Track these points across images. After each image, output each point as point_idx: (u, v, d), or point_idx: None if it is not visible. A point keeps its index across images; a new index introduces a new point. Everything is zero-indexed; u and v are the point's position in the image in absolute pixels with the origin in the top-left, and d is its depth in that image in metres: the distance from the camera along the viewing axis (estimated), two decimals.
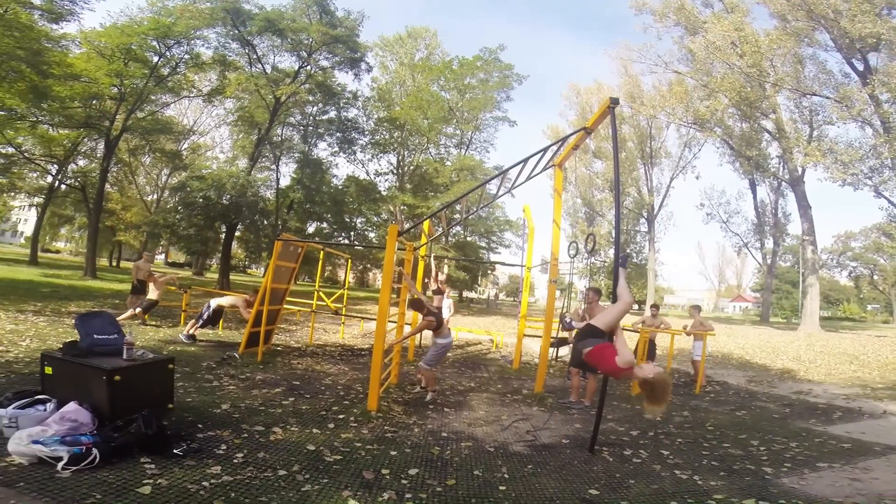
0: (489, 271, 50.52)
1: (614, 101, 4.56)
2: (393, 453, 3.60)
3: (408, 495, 2.84)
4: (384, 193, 27.64)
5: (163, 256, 49.02)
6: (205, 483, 2.71)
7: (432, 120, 24.64)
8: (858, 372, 10.11)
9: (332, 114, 25.34)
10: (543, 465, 3.65)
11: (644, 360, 7.16)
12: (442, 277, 9.89)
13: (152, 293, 9.10)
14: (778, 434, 4.88)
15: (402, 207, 24.81)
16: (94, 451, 2.82)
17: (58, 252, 41.17)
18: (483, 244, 32.94)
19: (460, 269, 25.91)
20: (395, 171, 28.90)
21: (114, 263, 34.16)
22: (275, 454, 3.33)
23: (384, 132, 27.03)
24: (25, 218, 43.35)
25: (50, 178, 22.44)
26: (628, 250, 39.43)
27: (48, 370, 3.69)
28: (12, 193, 23.24)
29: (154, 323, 9.33)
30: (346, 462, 3.32)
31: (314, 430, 3.97)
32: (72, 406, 3.22)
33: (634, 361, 3.39)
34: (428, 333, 6.20)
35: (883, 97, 19.03)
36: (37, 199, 24.65)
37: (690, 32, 24.82)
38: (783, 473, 3.65)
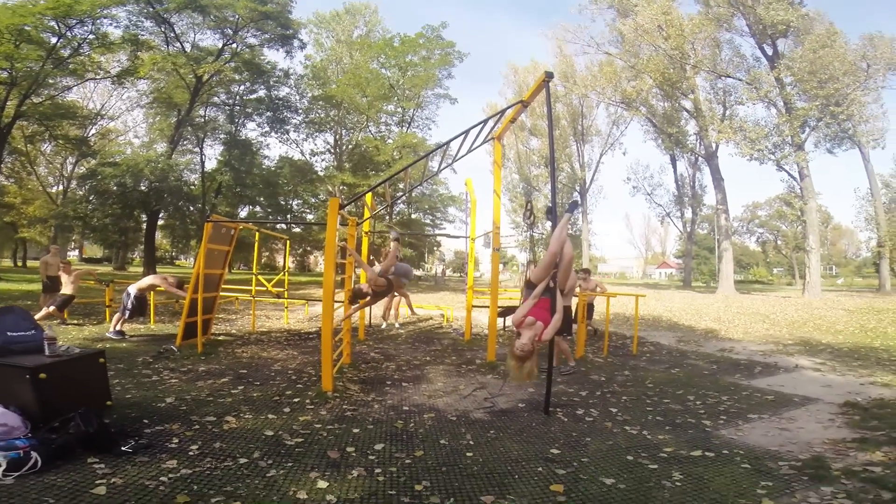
0: (435, 248, 50.82)
1: (549, 75, 4.74)
2: (356, 431, 3.60)
3: (377, 470, 2.87)
4: (321, 174, 26.68)
5: (76, 252, 44.31)
6: (163, 478, 2.58)
7: (372, 98, 23.93)
8: (771, 330, 11.19)
9: (262, 93, 23.80)
10: (504, 429, 3.81)
11: (584, 322, 7.69)
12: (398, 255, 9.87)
13: (66, 287, 8.18)
14: (710, 389, 5.25)
15: (341, 187, 24.08)
16: (34, 454, 2.59)
17: None
18: (428, 221, 32.95)
19: (406, 247, 25.83)
20: (332, 151, 27.89)
21: (19, 263, 30.61)
22: (232, 443, 3.22)
23: (319, 111, 25.84)
24: None
25: None
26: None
27: None
28: None
29: (76, 321, 8.56)
30: (309, 444, 3.29)
31: (270, 416, 3.87)
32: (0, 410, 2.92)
33: (519, 321, 3.63)
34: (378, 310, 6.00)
35: (787, 80, 21.13)
36: None
37: (622, 15, 25.95)
38: (720, 425, 3.95)
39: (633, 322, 8.72)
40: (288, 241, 12.36)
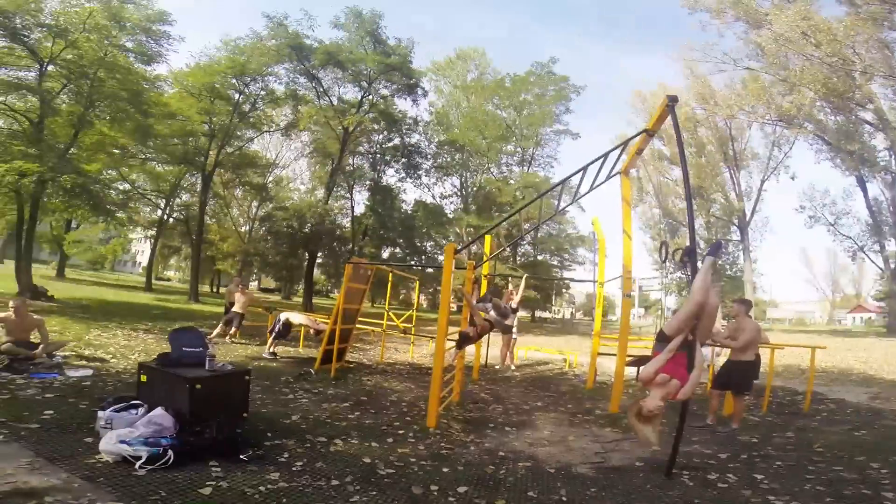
0: (563, 290, 48.75)
1: (672, 99, 4.29)
2: (445, 470, 3.50)
3: None
4: (450, 216, 28.03)
5: (256, 283, 53.42)
6: (261, 488, 2.83)
7: (490, 139, 24.77)
8: None
9: (397, 140, 26.48)
10: (609, 488, 3.37)
11: None
12: (516, 298, 9.70)
13: (237, 305, 9.81)
14: None
15: (467, 229, 24.97)
16: (170, 452, 3.06)
17: (168, 280, 46.63)
18: (555, 262, 31.94)
19: (530, 289, 25.30)
20: (458, 193, 29.33)
21: (214, 290, 37.90)
22: (332, 464, 3.40)
23: (445, 155, 27.63)
24: (142, 250, 49.62)
25: (160, 213, 25.68)
26: (719, 261, 36.15)
27: (143, 378, 4.11)
28: (131, 227, 26.89)
29: (243, 342, 10.10)
30: (398, 476, 3.29)
31: (373, 444, 3.99)
32: (158, 411, 3.53)
33: (650, 378, 3.15)
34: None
35: None
36: (150, 232, 28.30)
37: (753, 26, 22.89)
38: None
39: (807, 375, 7.29)
40: (418, 281, 13.10)
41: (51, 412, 3.88)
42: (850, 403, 6.96)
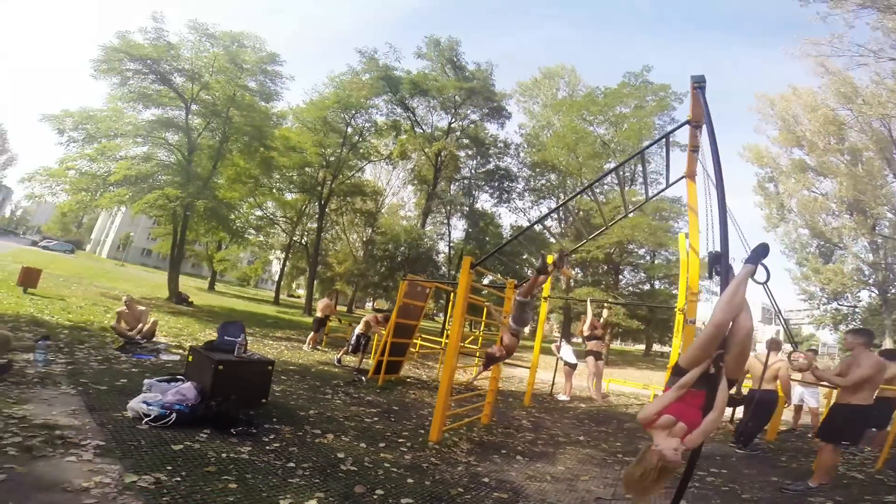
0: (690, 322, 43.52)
1: (697, 80, 3.85)
2: (409, 481, 3.46)
3: None
4: (552, 241, 27.30)
5: (371, 303, 57.63)
6: (223, 455, 3.20)
7: (584, 157, 23.70)
8: None
9: (491, 165, 26.92)
10: None
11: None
12: (587, 323, 9.47)
13: (318, 311, 11.27)
14: None
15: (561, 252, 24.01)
16: (174, 415, 3.60)
17: (299, 297, 52.83)
18: (674, 291, 28.70)
19: (633, 318, 23.18)
20: (555, 217, 28.51)
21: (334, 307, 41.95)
22: (304, 452, 3.64)
23: (539, 178, 27.18)
24: (278, 270, 57.26)
25: (287, 237, 29.55)
26: (889, 289, 29.00)
27: (189, 358, 4.88)
28: (265, 248, 31.35)
29: (324, 349, 11.00)
30: (356, 475, 3.36)
31: (361, 445, 4.13)
32: (187, 384, 4.19)
33: (648, 419, 2.57)
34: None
35: None
36: (280, 254, 32.63)
37: (883, 10, 18.52)
38: None
39: None
40: (485, 303, 13.01)
41: (124, 380, 4.81)
42: None
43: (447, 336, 11.08)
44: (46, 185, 13.97)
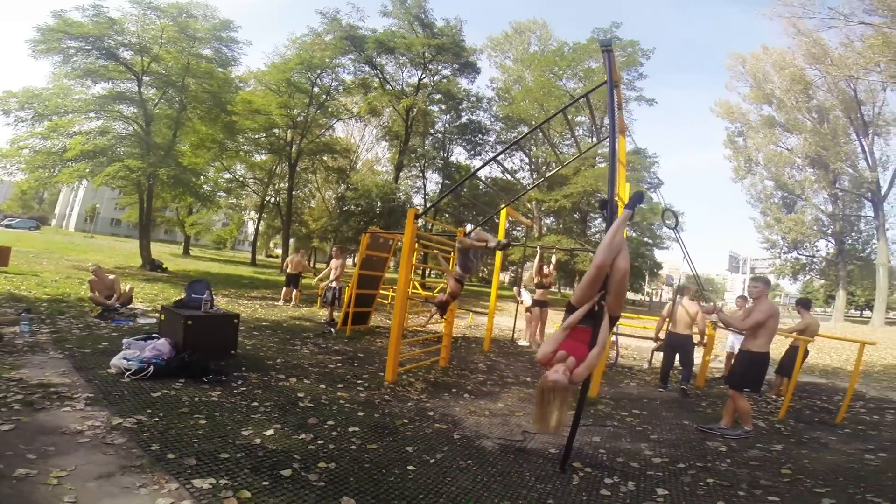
0: (656, 270, 45.67)
1: (604, 44, 4.22)
2: (360, 414, 4.03)
3: (325, 442, 3.30)
4: (527, 191, 27.87)
5: (351, 259, 58.06)
6: (196, 398, 3.79)
7: (553, 110, 23.94)
8: None
9: (464, 119, 26.86)
10: (486, 465, 3.34)
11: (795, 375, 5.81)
12: (547, 270, 9.73)
13: (291, 267, 11.91)
14: (889, 494, 3.36)
15: (533, 202, 24.79)
16: (151, 368, 4.15)
17: (277, 256, 52.82)
18: (647, 239, 29.93)
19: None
20: (525, 168, 29.01)
21: (311, 264, 42.33)
22: (267, 393, 4.24)
23: (510, 130, 27.31)
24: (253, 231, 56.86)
25: (258, 198, 29.33)
26: (846, 240, 31.00)
27: (162, 317, 5.37)
28: (239, 210, 31.13)
29: (298, 305, 11.41)
30: (312, 410, 3.96)
31: (321, 386, 4.75)
32: (161, 340, 4.71)
33: (546, 357, 2.88)
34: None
35: None
36: (254, 215, 32.52)
37: None
38: None
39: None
40: (452, 253, 13.59)
41: (105, 343, 5.30)
42: None
43: (416, 286, 11.80)
44: (0, 165, 13.72)
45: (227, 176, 24.80)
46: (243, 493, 2.42)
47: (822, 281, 37.04)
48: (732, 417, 4.78)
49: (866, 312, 46.17)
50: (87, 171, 14.29)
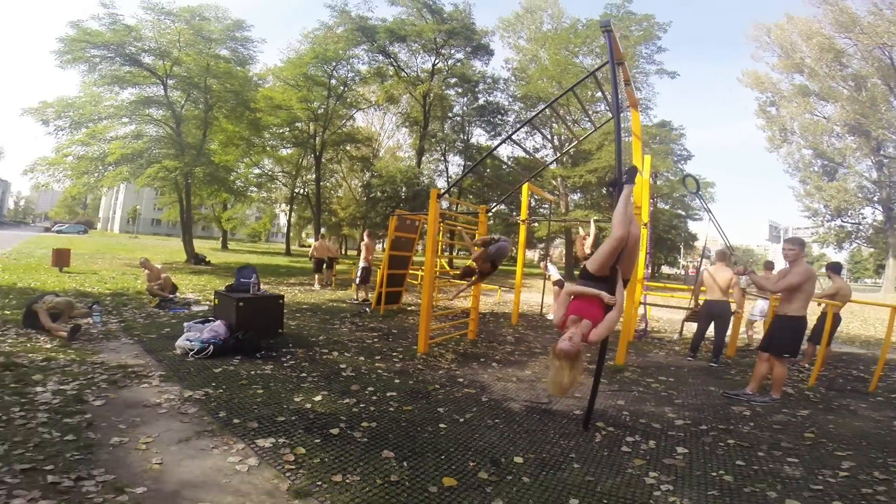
0: (691, 242, 44.54)
1: (603, 24, 4.35)
2: (396, 381, 4.41)
3: (366, 405, 3.68)
4: (552, 168, 27.63)
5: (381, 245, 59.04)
6: (252, 372, 4.26)
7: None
8: None
9: (482, 101, 26.69)
10: (514, 423, 3.57)
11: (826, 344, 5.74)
12: (588, 243, 9.74)
13: (316, 253, 12.68)
14: None
15: (558, 179, 24.58)
16: (211, 347, 4.65)
17: (308, 246, 54.38)
18: (679, 211, 29.24)
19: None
20: (546, 146, 28.63)
21: (343, 252, 43.44)
22: (313, 366, 4.69)
23: (529, 110, 26.94)
24: (286, 222, 58.53)
25: (288, 190, 30.21)
26: (894, 207, 29.31)
27: (215, 301, 5.89)
28: (270, 203, 32.20)
29: (333, 289, 12.12)
30: (353, 378, 4.37)
31: (360, 358, 5.18)
32: (217, 322, 5.20)
33: (560, 321, 3.07)
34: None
35: None
36: (285, 207, 33.59)
37: None
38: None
39: None
40: (476, 232, 13.81)
41: (168, 329, 5.89)
42: None
43: (444, 266, 12.09)
44: (49, 173, 14.78)
45: (257, 171, 25.66)
46: (299, 450, 2.80)
47: (871, 249, 35.09)
48: (760, 383, 4.81)
49: None
50: (129, 173, 15.16)
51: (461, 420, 3.57)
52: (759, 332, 8.04)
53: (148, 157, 15.39)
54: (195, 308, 7.65)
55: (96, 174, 15.05)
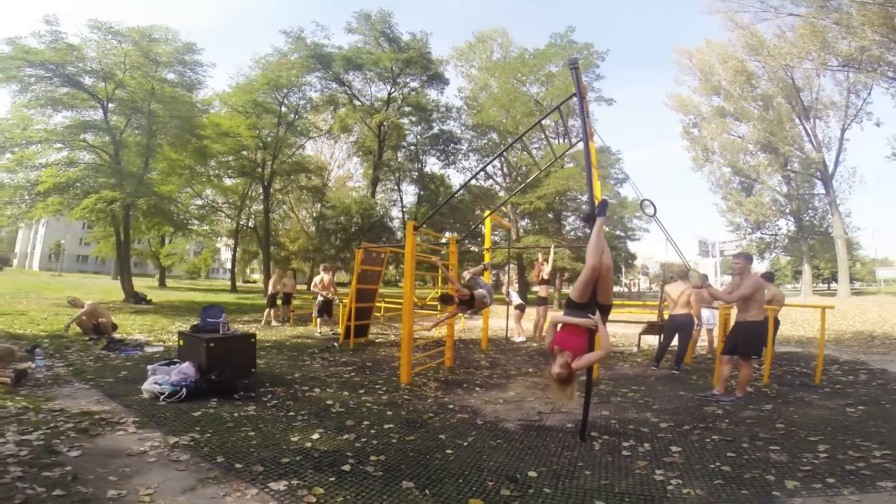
0: (631, 261, 47.13)
1: (571, 62, 4.70)
2: (388, 413, 4.31)
3: (368, 440, 3.56)
4: (500, 195, 28.51)
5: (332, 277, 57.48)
6: (235, 414, 3.98)
7: (519, 116, 24.76)
8: None
9: (435, 129, 27.40)
10: (514, 441, 3.68)
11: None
12: (546, 269, 10.09)
13: (271, 287, 12.15)
14: (875, 439, 3.74)
15: (509, 206, 25.41)
16: (184, 390, 4.32)
17: (255, 282, 51.87)
18: (619, 233, 30.98)
19: (579, 261, 25.14)
20: (498, 174, 29.72)
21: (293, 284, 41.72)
22: (299, 404, 4.47)
23: (481, 139, 28.03)
24: (229, 257, 55.74)
25: (233, 223, 28.93)
26: (803, 217, 33.02)
27: (180, 342, 5.52)
28: (211, 237, 30.64)
29: (293, 325, 11.67)
30: (345, 413, 4.22)
31: (344, 393, 5.00)
32: (186, 364, 4.86)
33: (548, 346, 3.52)
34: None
35: None
36: (229, 241, 32.05)
37: None
38: (812, 490, 2.84)
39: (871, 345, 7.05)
40: (439, 261, 13.95)
41: (125, 372, 5.39)
42: (890, 374, 6.45)
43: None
44: None
45: (199, 202, 24.41)
46: (317, 490, 2.65)
47: (788, 258, 39.24)
48: (725, 385, 5.28)
49: (833, 285, 48.83)
50: (63, 204, 13.94)
51: (465, 444, 3.58)
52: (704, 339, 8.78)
53: (83, 186, 14.24)
54: (149, 350, 7.07)
55: (23, 204, 13.69)
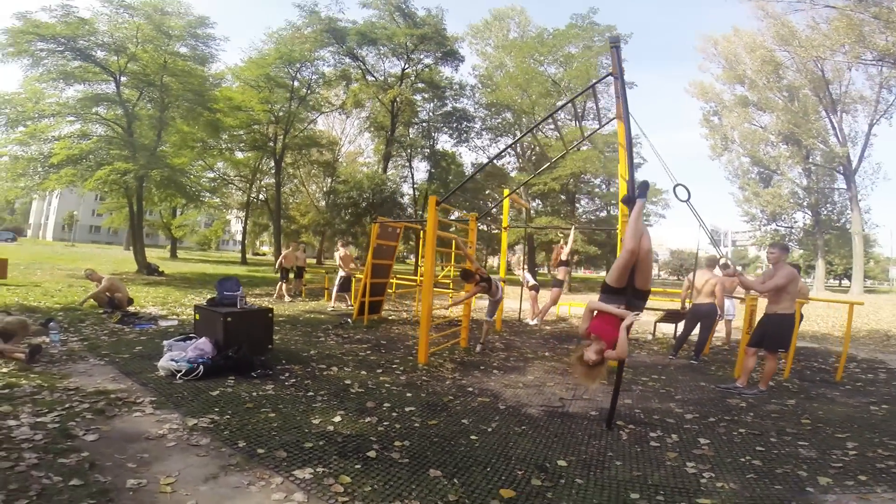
0: None
1: (612, 40, 4.45)
2: (408, 395, 4.22)
3: (390, 423, 3.47)
4: (512, 175, 28.10)
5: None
6: (254, 393, 3.89)
7: (535, 96, 24.15)
8: None
9: (448, 107, 26.84)
10: (540, 428, 3.60)
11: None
12: (566, 250, 9.59)
13: (283, 262, 11.94)
14: None
15: (522, 186, 25.02)
16: (201, 368, 4.23)
17: (264, 254, 52.20)
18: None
19: (591, 244, 24.86)
20: (510, 153, 29.24)
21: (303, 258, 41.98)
22: (317, 383, 4.38)
23: (495, 118, 27.43)
24: (240, 229, 56.05)
25: (243, 195, 28.92)
26: (822, 211, 32.22)
27: (196, 316, 5.43)
28: (223, 210, 30.66)
29: (304, 299, 11.69)
30: (364, 394, 4.13)
31: (362, 373, 4.91)
32: (202, 339, 4.77)
33: (582, 332, 3.44)
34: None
35: None
36: (240, 213, 32.08)
37: None
38: (840, 488, 2.76)
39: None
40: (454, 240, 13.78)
41: (140, 347, 5.33)
42: None
43: (421, 274, 11.97)
44: None
45: (211, 175, 24.34)
46: (343, 479, 2.54)
47: (802, 251, 38.58)
48: (748, 377, 5.14)
49: (844, 282, 48.09)
50: (76, 176, 13.92)
51: (489, 430, 3.49)
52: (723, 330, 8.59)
53: (97, 158, 14.15)
54: (163, 323, 7.03)
55: (36, 176, 13.68)
